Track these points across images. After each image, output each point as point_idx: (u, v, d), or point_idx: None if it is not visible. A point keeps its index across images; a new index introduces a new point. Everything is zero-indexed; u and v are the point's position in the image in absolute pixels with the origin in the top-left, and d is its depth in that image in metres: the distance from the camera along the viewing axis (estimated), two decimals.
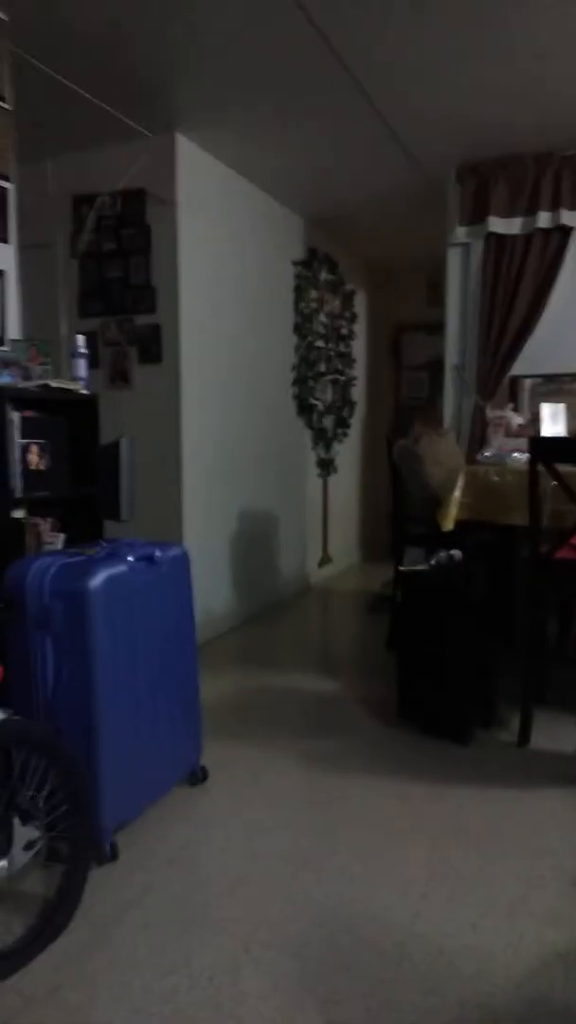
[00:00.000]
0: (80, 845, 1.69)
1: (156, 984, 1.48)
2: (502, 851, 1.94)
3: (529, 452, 2.47)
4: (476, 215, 3.82)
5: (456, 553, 2.79)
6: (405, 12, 2.50)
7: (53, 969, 1.52)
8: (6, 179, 2.52)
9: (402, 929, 1.63)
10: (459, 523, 2.94)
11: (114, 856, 1.89)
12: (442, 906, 1.71)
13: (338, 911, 1.70)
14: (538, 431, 3.46)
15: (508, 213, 3.74)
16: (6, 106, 2.50)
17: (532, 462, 2.46)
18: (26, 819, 1.57)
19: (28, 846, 1.57)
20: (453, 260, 3.98)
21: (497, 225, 3.74)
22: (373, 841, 1.99)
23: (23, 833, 1.56)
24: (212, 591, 3.92)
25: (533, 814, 2.12)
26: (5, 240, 2.53)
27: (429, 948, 1.57)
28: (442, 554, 2.78)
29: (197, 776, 2.30)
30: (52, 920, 1.61)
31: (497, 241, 3.79)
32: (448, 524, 2.89)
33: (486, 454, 3.29)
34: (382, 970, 1.51)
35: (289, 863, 1.89)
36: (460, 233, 3.88)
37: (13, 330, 2.58)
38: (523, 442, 3.33)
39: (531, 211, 3.68)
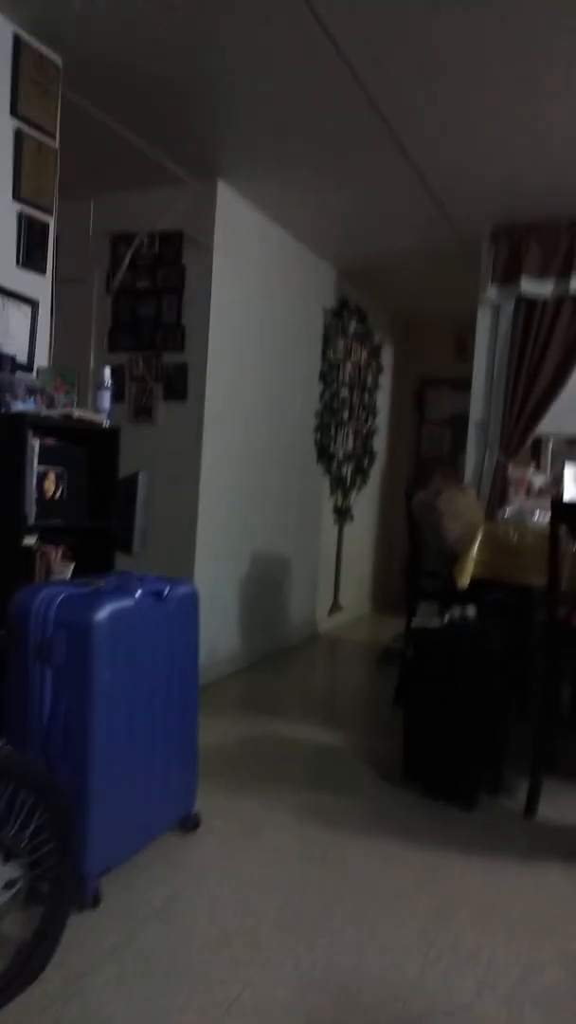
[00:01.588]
0: (62, 888, 1.62)
1: None
2: (503, 927, 1.84)
3: (551, 513, 2.43)
4: (508, 276, 3.85)
5: (470, 610, 2.73)
6: (452, 80, 2.56)
7: (20, 1020, 1.44)
8: (47, 213, 2.57)
9: (395, 1004, 1.54)
10: (475, 581, 2.89)
11: (96, 902, 1.82)
12: (438, 982, 1.62)
13: (327, 979, 1.61)
14: (561, 492, 3.42)
15: (540, 276, 3.77)
16: (53, 145, 2.57)
17: (554, 524, 2.42)
18: (8, 856, 1.51)
19: (8, 885, 1.51)
20: (483, 319, 4.01)
21: (529, 286, 3.77)
22: (369, 906, 1.90)
23: (3, 871, 1.50)
24: (219, 632, 3.87)
25: (537, 890, 2.02)
26: (42, 271, 2.58)
27: None
28: (456, 611, 2.72)
29: (190, 823, 2.23)
30: (26, 965, 1.54)
31: (528, 303, 3.82)
32: (464, 581, 2.84)
33: (506, 512, 3.25)
34: None
35: (279, 924, 1.81)
36: (491, 293, 3.91)
37: (42, 358, 2.61)
38: (544, 502, 3.30)
39: (564, 274, 3.71)
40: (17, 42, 2.40)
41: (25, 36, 2.43)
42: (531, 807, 2.47)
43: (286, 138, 3.11)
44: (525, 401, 3.85)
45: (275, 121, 2.97)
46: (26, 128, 2.46)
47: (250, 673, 4.09)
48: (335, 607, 5.44)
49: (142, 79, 2.69)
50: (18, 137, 2.44)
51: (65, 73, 2.60)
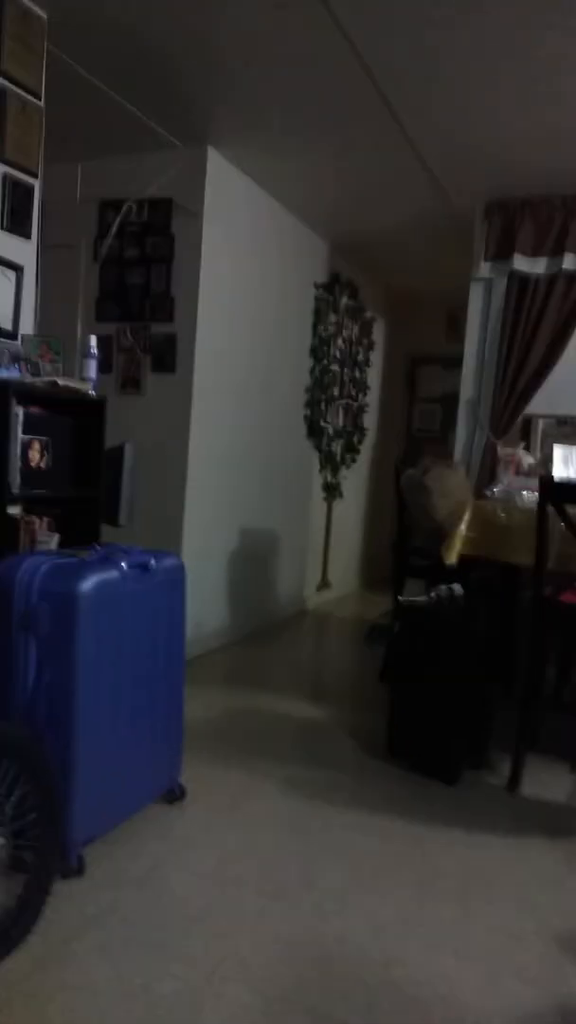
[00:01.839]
0: (46, 856, 1.62)
1: (111, 1011, 1.40)
2: (484, 900, 1.86)
3: (540, 492, 2.42)
4: (501, 252, 3.81)
5: (457, 588, 2.73)
6: (445, 52, 2.51)
7: (4, 986, 1.44)
8: (33, 176, 2.51)
9: (374, 974, 1.55)
10: (462, 558, 2.88)
11: (80, 871, 1.82)
12: (418, 953, 1.63)
13: (308, 949, 1.62)
14: (549, 472, 3.42)
15: (533, 252, 3.73)
16: (38, 102, 2.50)
17: (542, 502, 2.41)
18: None
19: None
20: (475, 295, 3.97)
21: (522, 264, 3.73)
22: (351, 879, 1.91)
23: None
24: (206, 606, 3.86)
25: (518, 864, 2.04)
26: (27, 236, 2.52)
27: (401, 997, 1.49)
28: (443, 588, 2.72)
29: (175, 794, 2.23)
30: (9, 933, 1.54)
31: (520, 280, 3.78)
32: (451, 558, 2.83)
33: (495, 490, 3.24)
34: (349, 1016, 1.43)
35: (262, 895, 1.81)
36: (484, 269, 3.88)
37: (27, 326, 2.56)
38: (533, 481, 3.29)
39: (557, 252, 3.67)
40: None
41: None
42: (514, 783, 2.49)
43: (279, 106, 3.04)
44: (516, 380, 3.83)
45: (268, 87, 2.90)
46: (9, 86, 2.39)
47: (237, 648, 4.09)
48: (323, 583, 5.44)
49: (132, 38, 2.62)
50: (1, 95, 2.37)
51: (51, 29, 2.52)
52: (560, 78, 2.67)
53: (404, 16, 2.37)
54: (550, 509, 2.41)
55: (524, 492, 3.11)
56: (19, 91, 2.42)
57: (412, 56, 2.59)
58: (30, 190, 2.50)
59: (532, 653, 2.52)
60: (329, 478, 5.29)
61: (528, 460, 3.85)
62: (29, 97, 2.46)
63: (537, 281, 3.75)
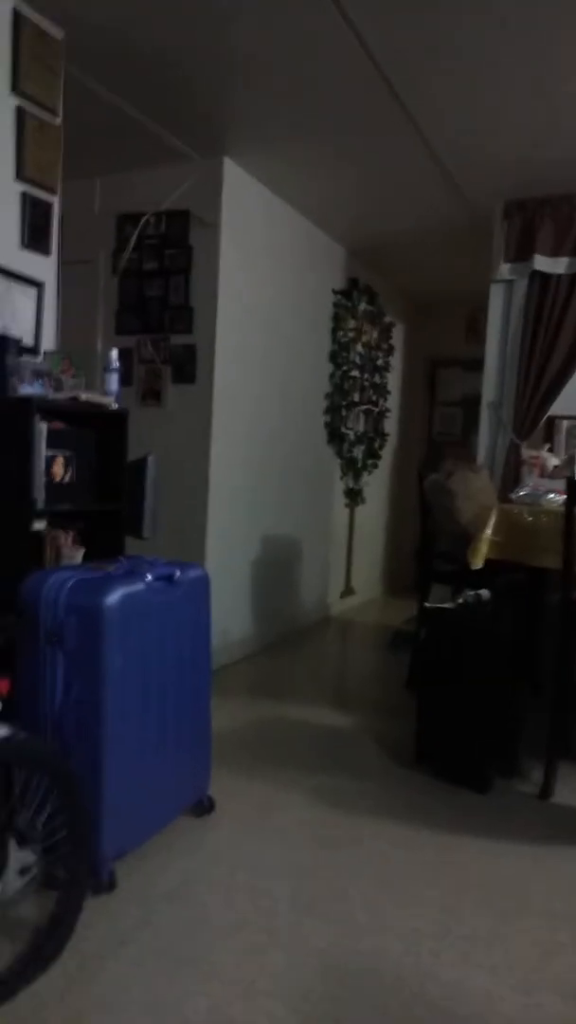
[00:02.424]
0: (77, 872, 1.62)
1: None
2: (518, 912, 1.83)
3: (566, 494, 2.39)
4: (521, 252, 3.78)
5: (484, 593, 2.70)
6: (462, 52, 2.50)
7: (38, 1005, 1.44)
8: (51, 193, 2.53)
9: (410, 989, 1.53)
10: (488, 562, 2.85)
11: (111, 886, 1.82)
12: (453, 967, 1.61)
13: (342, 963, 1.61)
14: (573, 473, 3.37)
15: (554, 252, 3.69)
16: (55, 122, 2.53)
17: (569, 504, 2.38)
18: (23, 842, 1.51)
19: (23, 871, 1.51)
20: (496, 297, 3.94)
21: (542, 264, 3.69)
22: (383, 890, 1.89)
23: (19, 857, 1.49)
24: (230, 615, 3.86)
25: (552, 874, 2.00)
26: (47, 253, 2.55)
27: (437, 1013, 1.47)
28: (470, 593, 2.69)
29: (204, 807, 2.23)
30: (42, 950, 1.54)
31: (542, 280, 3.74)
32: (477, 562, 2.80)
33: (520, 493, 3.21)
34: None
35: (293, 908, 1.80)
36: (504, 270, 3.84)
37: (49, 341, 2.58)
38: (559, 483, 3.25)
39: None
40: (17, 16, 2.35)
41: (25, 10, 2.37)
42: (546, 790, 2.45)
43: (294, 114, 3.04)
44: (539, 380, 3.79)
45: (283, 96, 2.90)
46: (28, 105, 2.41)
47: (262, 657, 4.08)
48: (347, 590, 5.42)
49: (146, 53, 2.64)
50: (20, 115, 2.39)
51: (67, 48, 2.55)
52: None
53: (421, 21, 2.36)
54: None
55: (550, 494, 3.07)
56: (37, 110, 2.44)
57: (428, 59, 2.58)
58: (49, 207, 2.53)
59: (561, 657, 2.48)
60: (351, 484, 5.28)
61: (553, 462, 3.80)
62: (47, 115, 2.48)
63: (558, 281, 3.71)
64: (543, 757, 2.49)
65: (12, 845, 1.49)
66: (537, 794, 2.46)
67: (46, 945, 1.55)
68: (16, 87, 2.36)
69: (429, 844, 2.13)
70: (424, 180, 3.64)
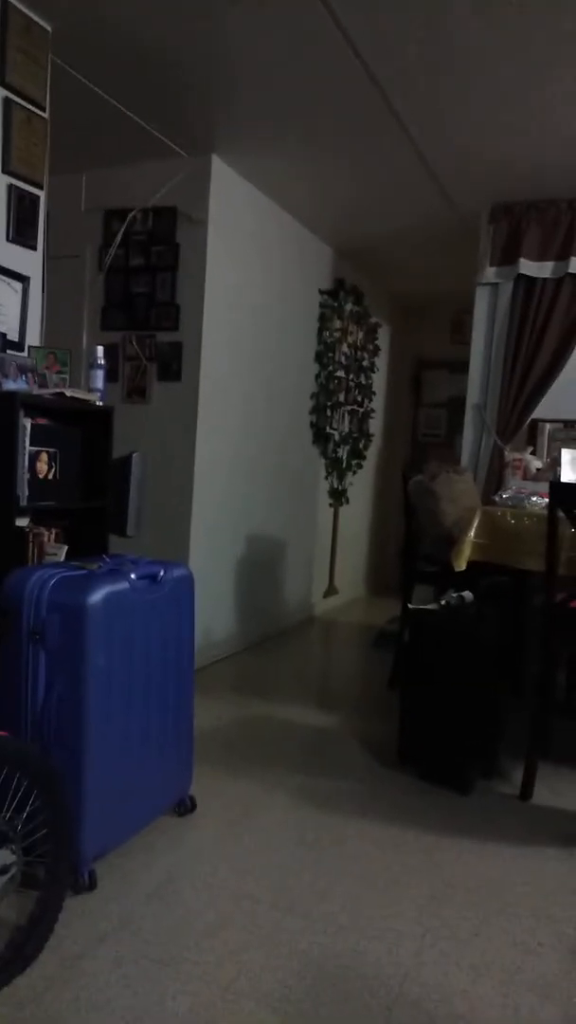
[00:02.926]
0: (57, 872, 1.61)
1: None
2: (499, 911, 1.84)
3: (550, 497, 2.40)
4: (507, 256, 3.80)
5: (467, 595, 2.71)
6: (450, 57, 2.50)
7: (17, 1005, 1.43)
8: (38, 187, 2.51)
9: (390, 989, 1.54)
10: (472, 564, 2.87)
11: (92, 885, 1.80)
12: (434, 967, 1.61)
13: (323, 963, 1.61)
14: (557, 476, 3.40)
15: (540, 256, 3.72)
16: (42, 114, 2.51)
17: (552, 507, 2.40)
18: (2, 842, 1.49)
19: (2, 871, 1.49)
20: (481, 299, 3.96)
21: (528, 268, 3.72)
22: (364, 890, 1.90)
23: None
24: (213, 614, 3.85)
25: (532, 874, 2.02)
26: (33, 247, 2.52)
27: (418, 1014, 1.47)
28: (453, 595, 2.70)
29: (186, 806, 2.22)
30: (22, 950, 1.53)
31: (527, 284, 3.77)
32: (461, 564, 2.82)
33: (504, 496, 3.23)
34: None
35: (275, 908, 1.80)
36: (490, 273, 3.86)
37: (34, 336, 2.56)
38: (542, 486, 3.27)
39: (563, 256, 3.66)
40: (4, 7, 2.33)
41: (12, 0, 2.35)
42: (527, 791, 2.46)
43: (283, 113, 3.04)
44: (523, 383, 3.82)
45: (272, 96, 2.90)
46: (14, 98, 2.39)
47: (245, 656, 4.07)
48: (330, 590, 5.42)
49: (136, 49, 2.62)
50: (6, 107, 2.37)
51: (55, 40, 2.53)
52: (566, 82, 2.66)
53: (411, 24, 2.36)
54: (560, 514, 2.39)
55: (533, 497, 3.10)
56: (24, 103, 2.42)
57: (418, 62, 2.59)
58: (35, 201, 2.51)
59: (543, 660, 2.50)
60: (336, 484, 5.28)
61: (536, 464, 3.83)
62: (34, 109, 2.46)
63: (544, 285, 3.74)
64: (523, 758, 2.51)
65: None
66: (518, 795, 2.47)
67: (25, 945, 1.53)
68: (2, 79, 2.34)
69: (411, 845, 2.14)
70: (412, 182, 3.65)
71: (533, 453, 3.90)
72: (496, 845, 2.16)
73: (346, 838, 2.15)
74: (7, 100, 2.37)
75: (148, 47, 2.61)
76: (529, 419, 3.90)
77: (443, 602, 2.70)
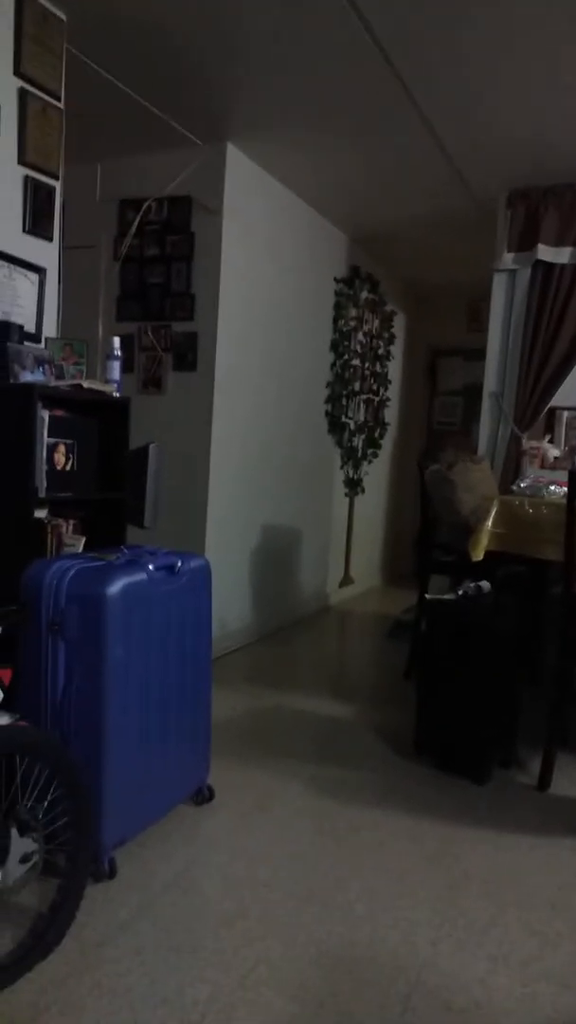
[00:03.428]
0: (78, 860, 1.63)
1: (144, 1016, 1.40)
2: (516, 901, 1.84)
3: (569, 486, 2.38)
4: (525, 242, 3.76)
5: (484, 584, 2.70)
6: (469, 38, 2.47)
7: (39, 991, 1.45)
8: (54, 178, 2.51)
9: (407, 978, 1.54)
10: (488, 554, 2.85)
11: (112, 874, 1.83)
12: (451, 956, 1.62)
13: (341, 953, 1.62)
14: (575, 464, 3.37)
15: (558, 242, 3.67)
16: (58, 104, 2.50)
17: (571, 496, 2.38)
18: (24, 830, 1.51)
19: (24, 859, 1.51)
20: (498, 286, 3.92)
21: (546, 253, 3.67)
22: (381, 880, 1.91)
23: (20, 845, 1.50)
24: (229, 604, 3.86)
25: (550, 864, 2.01)
26: (49, 238, 2.52)
27: (435, 1003, 1.48)
28: (470, 584, 2.69)
29: (204, 795, 2.24)
30: (43, 937, 1.55)
31: (545, 270, 3.72)
32: (478, 554, 2.80)
33: (521, 485, 3.21)
34: (384, 1022, 1.42)
35: (292, 897, 1.81)
36: (507, 259, 3.82)
37: (50, 328, 2.57)
38: (559, 474, 3.25)
39: None
40: None
41: None
42: (544, 781, 2.46)
43: (298, 99, 3.01)
44: (541, 370, 3.78)
45: (287, 83, 2.87)
46: (29, 88, 2.38)
47: (261, 646, 4.09)
48: (346, 579, 5.42)
49: (150, 36, 2.60)
50: (22, 98, 2.36)
51: (69, 30, 2.51)
52: None
53: (428, 8, 2.33)
54: None
55: (552, 486, 3.07)
56: (39, 93, 2.41)
57: (434, 47, 2.55)
58: (51, 192, 2.50)
59: (562, 650, 2.49)
60: (351, 473, 5.27)
61: (553, 452, 3.80)
62: (49, 99, 2.45)
63: (562, 270, 3.69)
64: (541, 748, 2.50)
65: (13, 833, 1.49)
66: (535, 785, 2.47)
67: (47, 932, 1.55)
68: (18, 69, 2.33)
69: (428, 834, 2.14)
70: (428, 168, 3.61)
71: (551, 441, 3.87)
72: (513, 835, 2.16)
73: (362, 828, 2.16)
74: (23, 91, 2.36)
75: (162, 35, 2.59)
76: (547, 407, 3.86)
77: (460, 592, 2.69)
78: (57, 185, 2.53)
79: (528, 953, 1.65)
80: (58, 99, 2.50)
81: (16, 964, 1.49)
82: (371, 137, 3.33)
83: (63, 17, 2.48)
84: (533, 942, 1.69)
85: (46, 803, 1.57)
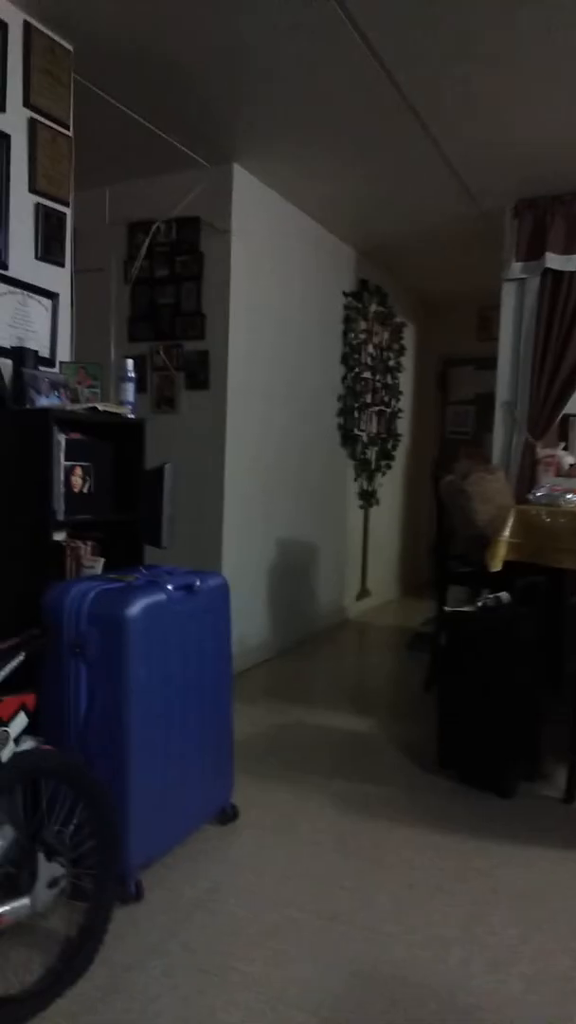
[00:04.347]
0: (105, 883, 1.63)
1: None
2: (547, 918, 1.82)
3: None
4: (533, 251, 3.76)
5: (504, 595, 2.69)
6: (468, 49, 2.48)
7: (69, 1018, 1.45)
8: (64, 204, 2.54)
9: (440, 999, 1.53)
10: (507, 564, 2.84)
11: (139, 896, 1.82)
12: (483, 975, 1.60)
13: (372, 972, 1.60)
14: None
15: (566, 250, 3.67)
16: (67, 133, 2.54)
17: None
18: (51, 855, 1.51)
19: (52, 883, 1.52)
20: (508, 295, 3.92)
21: (554, 262, 3.67)
22: (409, 897, 1.89)
23: (48, 869, 1.50)
24: (247, 620, 3.86)
25: None
26: (60, 264, 2.56)
27: (469, 1023, 1.46)
28: (489, 596, 2.68)
29: (228, 815, 2.23)
30: (72, 962, 1.55)
31: (554, 278, 3.72)
32: (496, 565, 2.79)
33: (538, 494, 3.19)
34: None
35: (319, 916, 1.80)
36: (516, 269, 3.82)
37: (64, 352, 2.59)
38: (574, 482, 3.23)
39: None
40: (27, 30, 2.36)
41: (35, 23, 2.38)
42: (571, 793, 2.43)
43: (303, 118, 3.04)
44: (553, 378, 3.77)
45: (291, 100, 2.90)
46: (39, 118, 2.42)
47: (280, 661, 4.08)
48: (363, 592, 5.41)
49: (155, 62, 2.64)
50: (32, 128, 2.40)
51: (76, 59, 2.56)
52: None
53: (431, 23, 2.35)
54: None
55: (568, 495, 3.05)
56: (49, 123, 2.45)
57: (438, 60, 2.57)
58: (62, 219, 2.54)
59: None
60: (365, 485, 5.27)
61: (568, 460, 3.78)
62: (58, 128, 2.49)
63: (571, 278, 3.69)
64: (565, 759, 2.47)
65: (41, 858, 1.50)
66: (561, 798, 2.44)
67: (76, 957, 1.55)
68: (28, 100, 2.38)
69: (455, 851, 2.12)
70: (433, 179, 3.63)
71: (566, 448, 3.85)
72: (541, 849, 2.13)
73: (388, 844, 2.14)
74: (32, 121, 2.40)
75: (166, 61, 2.62)
76: (560, 415, 3.85)
77: (479, 603, 2.67)
78: (68, 211, 2.57)
79: (562, 972, 1.62)
80: (67, 128, 2.54)
81: (46, 991, 1.48)
82: (375, 153, 3.35)
83: (70, 48, 2.52)
84: (567, 960, 1.66)
85: (72, 827, 1.57)
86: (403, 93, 2.80)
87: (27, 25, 2.36)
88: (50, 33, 2.44)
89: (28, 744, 1.63)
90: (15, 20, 2.33)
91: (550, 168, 3.44)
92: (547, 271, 3.72)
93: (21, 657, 1.60)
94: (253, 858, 2.05)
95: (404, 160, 3.41)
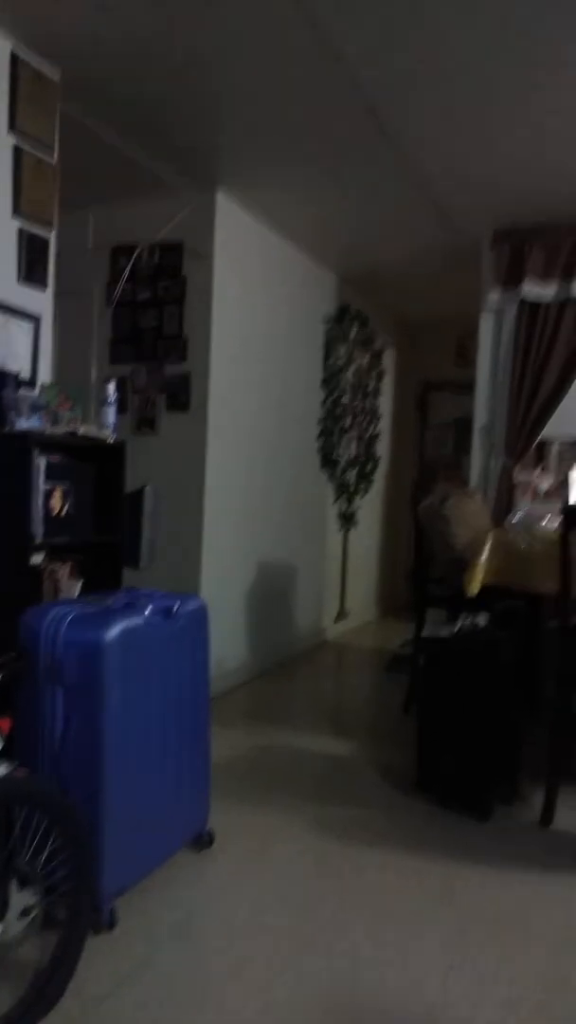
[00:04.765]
0: (79, 911, 1.60)
1: None
2: (523, 943, 1.82)
3: (562, 519, 2.41)
4: (510, 280, 3.84)
5: (481, 619, 2.71)
6: (450, 81, 2.55)
7: None
8: (48, 228, 2.56)
9: None
10: (484, 588, 2.87)
11: (112, 924, 1.80)
12: (460, 1002, 1.60)
13: (350, 999, 1.59)
14: (567, 496, 3.41)
15: (543, 280, 3.75)
16: (52, 160, 2.57)
17: (565, 531, 2.40)
18: (24, 883, 1.49)
19: (24, 912, 1.49)
20: (485, 323, 4.00)
21: (531, 292, 3.75)
22: (386, 922, 1.88)
23: (20, 899, 1.48)
24: (225, 643, 3.85)
25: (556, 903, 1.99)
26: (43, 287, 2.57)
27: None
28: (467, 620, 2.70)
29: (204, 840, 2.21)
30: (43, 992, 1.52)
31: (531, 306, 3.80)
32: (474, 588, 2.81)
33: (514, 520, 3.23)
34: None
35: (297, 942, 1.79)
36: (493, 297, 3.90)
37: (45, 374, 2.60)
38: (551, 506, 3.28)
39: (566, 279, 3.69)
40: (15, 58, 2.40)
41: (22, 52, 2.42)
42: (547, 816, 2.44)
43: (285, 146, 3.10)
44: (530, 405, 3.84)
45: (274, 129, 2.96)
46: (25, 144, 2.45)
47: (258, 683, 4.06)
48: (341, 614, 5.41)
49: (139, 90, 2.69)
50: (17, 153, 2.43)
51: (63, 86, 2.59)
52: (564, 113, 2.71)
53: (408, 49, 2.41)
54: (573, 536, 2.39)
55: (542, 522, 3.10)
56: (34, 148, 2.48)
57: (415, 88, 2.64)
58: (45, 242, 2.56)
59: (561, 683, 2.49)
60: (344, 508, 5.29)
61: (544, 484, 3.84)
62: (43, 153, 2.52)
63: (548, 306, 3.77)
64: (543, 782, 2.49)
65: (13, 887, 1.48)
66: (538, 820, 2.45)
67: (47, 988, 1.52)
68: (13, 125, 2.40)
69: (432, 874, 2.12)
70: (413, 208, 3.70)
71: (543, 470, 3.91)
72: (518, 872, 2.14)
73: (366, 868, 2.14)
74: (17, 147, 2.43)
75: (150, 88, 2.67)
76: (537, 439, 3.91)
77: (457, 627, 2.69)
78: (51, 236, 2.59)
79: (538, 1000, 1.62)
80: (52, 152, 2.57)
81: (17, 1022, 1.46)
82: (356, 180, 3.42)
83: (55, 77, 2.55)
84: (544, 986, 1.66)
85: (45, 854, 1.55)
86: (383, 124, 2.86)
87: (14, 54, 2.39)
88: (38, 61, 2.47)
89: (2, 769, 1.61)
90: (2, 48, 2.36)
91: (528, 198, 3.53)
92: (524, 299, 3.79)
93: None
94: (229, 885, 2.04)
95: (384, 189, 3.48)
